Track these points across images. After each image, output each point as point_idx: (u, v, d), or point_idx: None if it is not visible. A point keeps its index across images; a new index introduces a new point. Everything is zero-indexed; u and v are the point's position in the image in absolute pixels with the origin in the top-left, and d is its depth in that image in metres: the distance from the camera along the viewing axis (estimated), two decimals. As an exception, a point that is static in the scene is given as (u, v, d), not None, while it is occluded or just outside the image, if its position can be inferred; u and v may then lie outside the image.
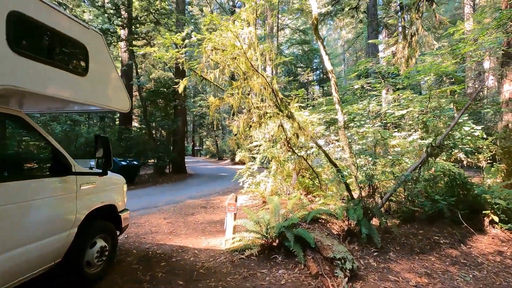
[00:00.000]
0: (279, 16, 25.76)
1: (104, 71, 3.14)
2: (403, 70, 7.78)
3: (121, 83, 3.37)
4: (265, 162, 8.97)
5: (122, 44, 16.86)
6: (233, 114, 5.22)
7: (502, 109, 9.32)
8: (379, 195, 5.32)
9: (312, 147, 8.74)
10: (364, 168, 7.50)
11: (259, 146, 8.13)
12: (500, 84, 10.76)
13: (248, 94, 5.19)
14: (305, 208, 4.94)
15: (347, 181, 7.68)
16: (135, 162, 11.88)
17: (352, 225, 4.40)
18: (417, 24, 7.21)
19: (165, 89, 14.74)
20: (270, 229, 3.93)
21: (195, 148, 52.99)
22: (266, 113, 5.31)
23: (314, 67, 29.62)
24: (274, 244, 4.04)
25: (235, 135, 5.22)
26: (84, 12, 15.39)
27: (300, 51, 29.10)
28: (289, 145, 6.82)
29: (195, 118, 44.46)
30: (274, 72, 6.15)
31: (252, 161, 10.34)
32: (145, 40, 14.25)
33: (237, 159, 24.69)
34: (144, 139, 14.96)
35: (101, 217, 3.38)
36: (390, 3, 24.43)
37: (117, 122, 17.82)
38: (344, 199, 5.29)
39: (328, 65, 6.74)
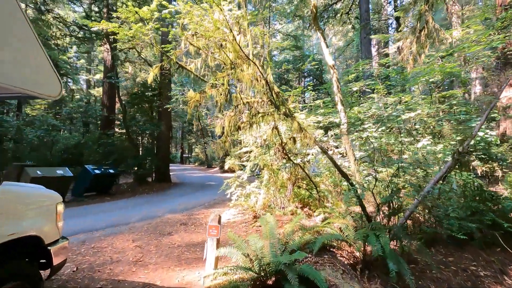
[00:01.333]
0: (270, 21, 25.19)
1: (20, 43, 2.11)
2: (410, 68, 6.99)
3: (47, 61, 2.31)
4: (256, 170, 7.97)
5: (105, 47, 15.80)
6: (220, 111, 4.23)
7: (498, 115, 8.71)
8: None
9: (308, 154, 7.81)
10: (369, 178, 6.61)
11: (250, 153, 7.13)
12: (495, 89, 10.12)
13: (236, 87, 4.22)
14: (307, 231, 3.92)
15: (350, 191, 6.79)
16: (111, 171, 10.65)
17: (368, 252, 3.43)
18: (426, 16, 6.47)
19: (149, 93, 13.63)
20: (265, 265, 2.90)
21: (184, 155, 51.56)
22: (258, 112, 4.35)
23: (306, 74, 29.05)
24: (270, 282, 3.02)
25: (219, 137, 4.23)
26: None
27: (291, 57, 28.52)
28: (284, 151, 5.85)
29: (184, 124, 43.29)
30: (267, 61, 5.20)
31: (241, 170, 9.35)
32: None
33: (226, 167, 23.55)
34: (124, 145, 13.74)
35: (14, 256, 2.28)
36: (380, 11, 24.31)
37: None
38: (354, 217, 4.33)
39: (329, 59, 5.87)
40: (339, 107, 5.85)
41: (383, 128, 7.58)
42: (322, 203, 6.98)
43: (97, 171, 9.96)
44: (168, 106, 11.19)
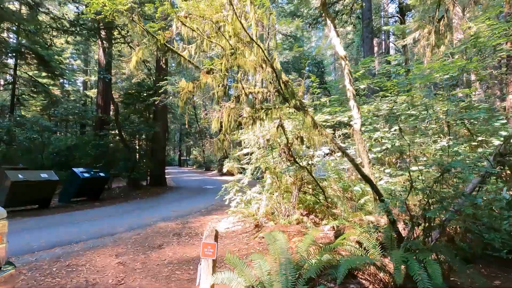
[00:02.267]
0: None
1: None
2: (426, 61, 6.38)
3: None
4: (257, 174, 7.30)
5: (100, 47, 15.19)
6: (218, 103, 3.57)
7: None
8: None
9: (313, 156, 7.16)
10: (382, 183, 5.95)
11: (251, 155, 6.47)
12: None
13: (237, 76, 3.56)
14: (325, 251, 3.21)
15: (360, 197, 6.12)
16: (102, 174, 9.95)
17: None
18: (446, 4, 5.86)
19: (144, 92, 12.96)
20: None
21: (182, 158, 50.90)
22: (262, 108, 3.68)
23: (306, 74, 28.48)
24: (280, 319, 2.35)
25: (217, 135, 3.57)
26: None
27: (291, 58, 27.99)
28: (290, 152, 5.20)
29: (182, 127, 42.65)
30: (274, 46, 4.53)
31: (241, 173, 8.67)
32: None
33: (224, 170, 22.84)
34: (116, 147, 13.05)
35: None
36: (379, 10, 23.84)
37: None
38: (377, 228, 3.66)
39: (341, 50, 5.23)
40: (351, 103, 5.20)
41: (397, 128, 6.94)
42: (330, 210, 6.33)
43: (86, 175, 9.26)
44: (155, 98, 10.37)
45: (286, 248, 2.82)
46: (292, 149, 5.18)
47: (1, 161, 16.16)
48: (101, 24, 12.70)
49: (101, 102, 16.70)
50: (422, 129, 7.13)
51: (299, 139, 4.86)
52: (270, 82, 3.33)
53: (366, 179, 3.63)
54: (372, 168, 5.49)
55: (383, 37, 26.08)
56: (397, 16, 15.16)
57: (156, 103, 10.55)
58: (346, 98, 10.18)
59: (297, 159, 5.68)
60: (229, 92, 3.39)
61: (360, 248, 3.07)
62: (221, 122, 3.23)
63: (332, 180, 6.91)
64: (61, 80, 27.96)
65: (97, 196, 10.33)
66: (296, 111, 3.51)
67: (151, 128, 12.89)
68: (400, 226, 3.71)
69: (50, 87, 24.40)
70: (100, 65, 16.71)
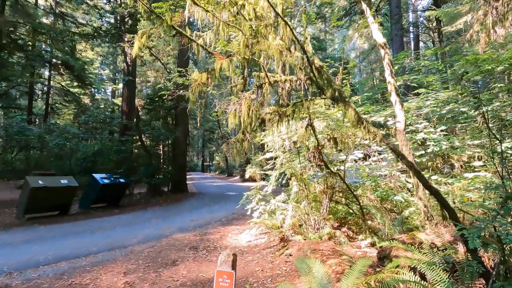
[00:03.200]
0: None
1: None
2: (481, 48, 5.44)
3: None
4: (281, 180, 6.63)
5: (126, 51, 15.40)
6: (235, 94, 2.98)
7: None
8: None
9: (346, 161, 6.38)
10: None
11: (275, 159, 5.82)
12: None
13: (259, 60, 2.95)
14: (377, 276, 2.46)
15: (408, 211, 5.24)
16: (122, 180, 9.73)
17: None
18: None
19: (165, 98, 12.78)
20: None
21: (205, 163, 51.28)
22: (288, 104, 3.04)
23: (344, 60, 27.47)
24: None
25: (235, 133, 3.03)
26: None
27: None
28: (321, 156, 4.49)
29: (206, 132, 42.95)
30: (304, 25, 3.86)
31: (264, 179, 8.00)
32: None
33: (247, 176, 22.38)
34: (137, 153, 12.93)
35: None
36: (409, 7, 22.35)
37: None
38: (448, 259, 2.84)
39: (379, 37, 4.48)
40: (393, 98, 4.41)
41: (443, 127, 6.00)
42: (366, 223, 5.51)
43: (105, 181, 9.07)
44: (185, 106, 10.04)
45: (327, 283, 2.12)
46: (323, 152, 4.48)
47: (33, 167, 16.81)
48: (124, 28, 12.76)
49: (125, 109, 16.90)
50: (475, 128, 6.12)
51: (331, 141, 4.16)
52: (300, 69, 2.70)
53: (431, 190, 2.85)
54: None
55: (411, 36, 24.57)
56: (431, 8, 13.97)
57: (175, 106, 10.25)
58: (377, 97, 9.28)
59: (328, 164, 4.96)
60: (250, 82, 2.78)
61: (424, 284, 2.30)
62: (239, 118, 2.64)
63: (368, 188, 6.08)
64: (91, 89, 29.13)
65: (117, 202, 10.13)
66: (333, 104, 2.85)
67: (172, 133, 12.64)
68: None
69: (81, 96, 25.43)
70: (125, 73, 16.99)
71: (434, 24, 15.35)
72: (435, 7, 12.79)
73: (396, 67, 9.48)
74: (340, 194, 5.92)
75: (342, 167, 6.34)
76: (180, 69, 8.56)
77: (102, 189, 8.99)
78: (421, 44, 25.03)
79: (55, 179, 7.99)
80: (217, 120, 36.23)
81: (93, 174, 9.27)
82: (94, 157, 15.91)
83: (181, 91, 7.82)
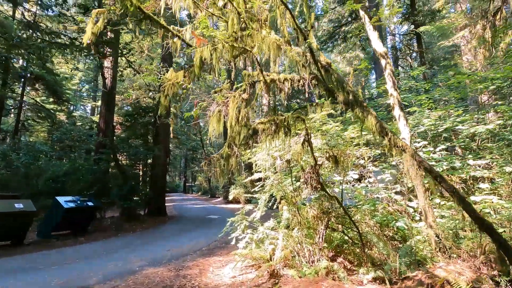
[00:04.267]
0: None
1: None
2: (480, 64, 5.20)
3: None
4: (270, 204, 5.93)
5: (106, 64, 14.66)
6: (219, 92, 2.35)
7: None
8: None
9: (340, 182, 5.82)
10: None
11: (264, 180, 5.17)
12: None
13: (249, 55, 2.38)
14: None
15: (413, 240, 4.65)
16: (90, 203, 8.68)
17: None
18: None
19: (144, 114, 12.04)
20: None
21: (187, 184, 49.64)
22: (287, 109, 2.46)
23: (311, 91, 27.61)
24: None
25: (208, 155, 2.42)
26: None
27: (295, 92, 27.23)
28: (319, 177, 3.90)
29: (188, 152, 41.79)
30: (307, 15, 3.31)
31: (250, 201, 7.27)
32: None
33: (230, 197, 21.38)
34: (113, 173, 11.87)
35: None
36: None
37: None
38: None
39: (379, 46, 4.10)
40: (397, 112, 3.97)
41: (443, 147, 5.62)
42: (366, 253, 4.87)
43: (70, 204, 8.01)
44: (166, 120, 9.31)
45: None
46: (319, 172, 3.90)
47: (-1, 187, 15.17)
48: (102, 40, 12.11)
49: (102, 126, 15.87)
50: (476, 147, 5.78)
51: (331, 160, 3.59)
52: (303, 66, 2.15)
53: (482, 223, 2.27)
54: (428, 198, 4.11)
55: (391, 60, 25.45)
56: (412, 32, 14.36)
57: (154, 122, 9.51)
58: (380, 112, 8.96)
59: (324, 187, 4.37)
60: (235, 77, 2.19)
61: None
62: (225, 123, 2.02)
63: (366, 213, 5.50)
64: (69, 106, 27.75)
65: (84, 228, 8.99)
66: (346, 110, 2.29)
67: (150, 152, 11.76)
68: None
69: (57, 113, 24.06)
70: (106, 87, 16.15)
71: (415, 47, 15.76)
72: (415, 30, 13.11)
73: (382, 88, 9.32)
74: (336, 220, 5.29)
75: (337, 189, 5.77)
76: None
77: (66, 214, 7.90)
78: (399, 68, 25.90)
79: (7, 203, 6.89)
80: (200, 139, 35.42)
81: (57, 197, 8.19)
82: (65, 177, 14.61)
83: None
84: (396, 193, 5.59)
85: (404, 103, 8.51)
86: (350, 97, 2.15)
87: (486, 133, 5.53)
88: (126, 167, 13.50)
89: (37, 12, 16.37)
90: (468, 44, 5.10)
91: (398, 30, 22.67)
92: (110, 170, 13.19)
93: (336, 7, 18.03)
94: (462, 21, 5.47)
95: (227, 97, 2.10)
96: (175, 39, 2.73)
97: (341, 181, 5.45)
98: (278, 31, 2.88)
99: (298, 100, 24.80)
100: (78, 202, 8.36)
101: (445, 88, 8.11)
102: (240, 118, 2.02)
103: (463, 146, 5.96)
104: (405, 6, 15.58)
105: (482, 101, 8.15)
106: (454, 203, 2.48)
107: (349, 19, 18.86)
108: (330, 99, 2.27)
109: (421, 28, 9.38)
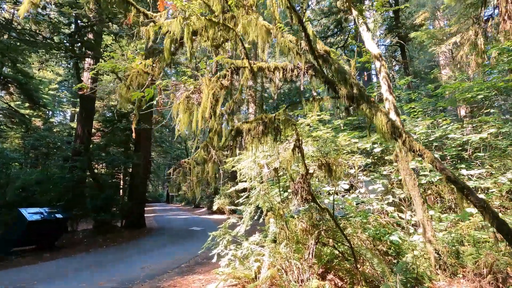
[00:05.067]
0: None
1: None
2: (471, 70, 5.08)
3: None
4: (256, 216, 5.50)
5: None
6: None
7: None
8: None
9: (329, 193, 5.49)
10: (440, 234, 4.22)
11: (249, 191, 4.75)
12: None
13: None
14: None
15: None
16: (59, 215, 7.93)
17: None
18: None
19: (123, 120, 11.40)
20: None
21: (170, 194, 48.27)
22: (277, 107, 2.09)
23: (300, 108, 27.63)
24: None
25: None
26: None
27: (285, 90, 27.28)
28: (309, 188, 3.53)
29: (172, 161, 40.68)
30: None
31: (235, 212, 6.80)
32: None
33: (215, 207, 20.67)
34: (89, 182, 11.09)
35: None
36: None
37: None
38: None
39: (373, 47, 3.85)
40: (393, 117, 3.70)
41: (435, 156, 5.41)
42: (358, 270, 4.51)
43: (35, 217, 7.25)
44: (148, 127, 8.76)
45: None
46: (310, 182, 3.55)
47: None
48: (81, 40, 11.50)
49: (80, 132, 15.04)
50: (467, 157, 5.61)
51: (323, 168, 3.24)
52: (297, 54, 1.80)
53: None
54: (427, 212, 3.81)
55: (374, 72, 26.00)
56: (398, 44, 14.58)
57: (133, 127, 8.94)
58: (362, 121, 8.77)
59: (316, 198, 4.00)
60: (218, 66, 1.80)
61: None
62: (189, 109, 1.59)
63: (358, 226, 5.16)
64: (48, 112, 26.45)
65: (52, 243, 8.18)
66: (350, 106, 1.94)
67: (130, 159, 11.09)
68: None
69: (33, 119, 22.81)
70: (82, 91, 15.37)
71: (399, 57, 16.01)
72: (401, 41, 13.29)
73: (373, 94, 9.20)
74: (327, 234, 4.92)
75: (326, 200, 5.43)
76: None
77: (29, 227, 7.13)
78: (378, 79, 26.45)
79: (45, 212, 6.16)
80: (184, 147, 34.59)
81: (20, 209, 7.41)
82: (37, 186, 13.59)
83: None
84: (389, 204, 5.31)
85: (392, 111, 8.39)
86: (355, 90, 1.82)
87: (477, 142, 5.38)
88: (104, 176, 12.72)
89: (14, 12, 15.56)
90: (459, 50, 4.99)
91: (382, 42, 23.16)
92: (87, 179, 12.38)
93: (322, 18, 18.15)
94: (453, 28, 5.42)
95: (200, 82, 1.70)
96: (149, 28, 2.33)
97: (332, 192, 5.11)
98: (267, 20, 2.55)
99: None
100: (45, 214, 7.61)
101: (433, 98, 8.07)
102: (217, 109, 1.62)
103: (454, 155, 5.78)
104: (389, 19, 15.88)
105: (466, 112, 8.13)
106: (484, 220, 2.15)
107: (335, 30, 19.02)
108: (330, 93, 1.93)
109: (412, 34, 9.42)
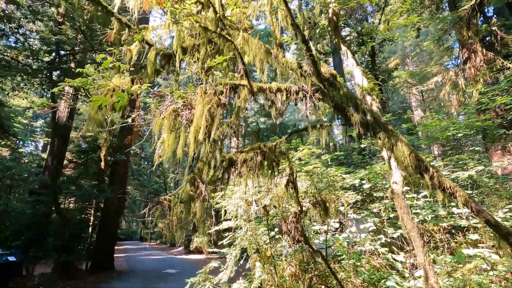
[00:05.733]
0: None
1: None
2: (454, 108, 5.22)
3: None
4: (243, 260, 4.97)
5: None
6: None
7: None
8: None
9: (318, 232, 5.14)
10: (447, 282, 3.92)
11: (235, 231, 4.31)
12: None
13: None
14: None
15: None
16: (11, 258, 6.91)
17: None
18: (470, 45, 4.97)
19: (99, 147, 10.78)
20: None
21: (146, 230, 45.34)
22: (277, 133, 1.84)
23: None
24: None
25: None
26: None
27: (268, 125, 27.58)
28: (302, 228, 3.20)
29: (149, 195, 38.81)
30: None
31: (215, 252, 6.22)
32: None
33: (192, 246, 19.31)
34: (53, 218, 10.03)
35: None
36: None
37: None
38: None
39: (365, 82, 3.83)
40: (386, 153, 3.56)
41: (425, 193, 5.31)
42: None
43: (-20, 260, 6.26)
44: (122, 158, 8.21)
45: None
46: (303, 221, 3.23)
47: None
48: (61, 67, 11.15)
49: (50, 163, 14.02)
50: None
51: (318, 206, 2.95)
52: (301, 76, 1.61)
53: None
54: (428, 256, 3.54)
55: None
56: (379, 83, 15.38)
57: (102, 155, 8.39)
58: (352, 155, 8.71)
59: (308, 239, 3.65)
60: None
61: None
62: (185, 140, 1.27)
63: (350, 270, 4.76)
64: (18, 142, 24.96)
65: (-1, 291, 7.02)
66: (363, 133, 1.72)
67: (102, 193, 10.27)
68: None
69: (0, 148, 21.38)
70: (56, 123, 14.63)
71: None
72: (379, 82, 14.02)
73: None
74: (319, 280, 4.47)
75: (316, 241, 5.05)
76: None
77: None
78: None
79: None
80: (163, 181, 33.26)
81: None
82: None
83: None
84: (382, 245, 5.00)
85: (376, 147, 8.46)
86: (369, 117, 1.65)
87: (465, 179, 5.36)
88: (73, 212, 11.64)
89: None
90: (441, 90, 5.17)
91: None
92: (52, 215, 11.25)
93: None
94: (434, 69, 5.72)
95: (193, 93, 1.42)
96: (132, 47, 2.10)
97: (322, 231, 4.78)
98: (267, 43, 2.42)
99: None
100: (-6, 256, 6.62)
101: (413, 136, 8.27)
102: (212, 132, 1.34)
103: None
104: (366, 62, 16.93)
105: (439, 151, 8.31)
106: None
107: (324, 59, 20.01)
108: (339, 120, 1.75)
109: (395, 73, 9.91)
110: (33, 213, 9.27)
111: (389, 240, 5.29)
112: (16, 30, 11.23)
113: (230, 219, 4.38)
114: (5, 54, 12.22)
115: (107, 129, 1.77)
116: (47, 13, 9.94)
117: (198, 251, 17.92)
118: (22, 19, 9.72)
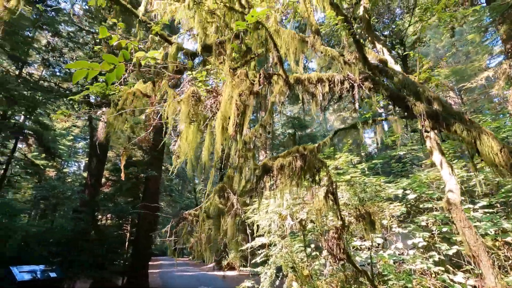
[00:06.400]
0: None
1: None
2: (510, 104, 4.61)
3: None
4: (279, 280, 4.63)
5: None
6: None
7: None
8: None
9: (359, 248, 4.66)
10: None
11: (269, 247, 4.02)
12: None
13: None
14: None
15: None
16: (53, 274, 7.13)
17: None
18: None
19: (132, 164, 11.13)
20: None
21: (179, 247, 46.06)
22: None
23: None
24: None
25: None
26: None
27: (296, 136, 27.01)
28: (344, 244, 2.85)
29: (181, 211, 39.51)
30: None
31: (245, 266, 5.95)
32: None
33: (224, 262, 19.02)
34: (91, 236, 10.36)
35: None
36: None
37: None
38: None
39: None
40: (437, 157, 3.10)
41: (484, 203, 4.65)
42: None
43: (26, 277, 6.50)
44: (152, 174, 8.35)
45: None
46: (346, 237, 2.88)
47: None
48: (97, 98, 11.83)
49: (89, 182, 14.77)
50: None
51: (362, 219, 2.60)
52: (345, 63, 1.37)
53: None
54: (498, 272, 3.00)
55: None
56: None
57: (121, 165, 8.57)
58: (391, 163, 8.10)
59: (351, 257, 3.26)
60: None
61: None
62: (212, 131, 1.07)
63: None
64: (61, 162, 26.82)
65: (42, 308, 7.23)
66: (431, 126, 1.40)
67: (134, 209, 10.48)
68: None
69: (47, 169, 23.05)
70: (94, 144, 15.49)
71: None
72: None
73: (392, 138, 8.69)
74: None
75: (358, 258, 4.58)
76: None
77: (19, 289, 6.34)
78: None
79: (38, 270, 5.54)
80: (194, 196, 33.63)
81: (12, 267, 6.71)
82: (37, 239, 12.85)
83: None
84: (436, 263, 4.41)
85: (419, 155, 7.76)
86: (436, 106, 1.36)
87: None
88: (110, 228, 12.00)
89: (43, 71, 16.65)
90: (494, 85, 4.60)
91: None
92: (91, 232, 11.68)
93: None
94: (483, 63, 5.13)
95: (217, 80, 1.23)
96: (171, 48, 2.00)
97: (364, 247, 4.32)
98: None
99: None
100: (38, 273, 6.85)
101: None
102: (245, 125, 1.12)
103: (503, 202, 4.98)
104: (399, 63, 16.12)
105: None
106: None
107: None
108: (398, 111, 1.47)
109: (435, 71, 9.24)
110: (73, 229, 9.64)
111: (442, 257, 4.67)
112: (59, 58, 12.23)
113: (262, 235, 4.11)
114: (50, 81, 13.31)
115: (126, 134, 1.68)
116: (84, 38, 10.69)
117: (230, 267, 17.58)
118: (63, 48, 10.54)
